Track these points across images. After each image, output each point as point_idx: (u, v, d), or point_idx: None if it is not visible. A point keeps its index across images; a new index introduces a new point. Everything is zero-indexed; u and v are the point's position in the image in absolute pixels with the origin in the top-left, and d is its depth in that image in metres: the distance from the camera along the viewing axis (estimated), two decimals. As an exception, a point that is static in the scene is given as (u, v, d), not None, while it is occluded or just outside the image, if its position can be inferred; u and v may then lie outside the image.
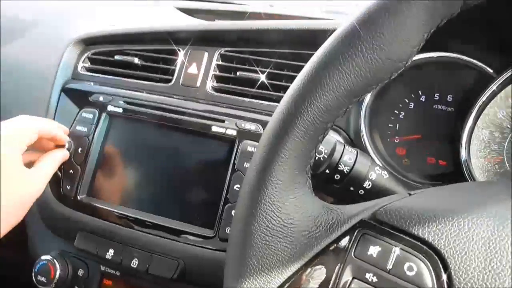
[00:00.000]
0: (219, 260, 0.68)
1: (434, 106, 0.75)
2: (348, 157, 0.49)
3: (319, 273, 0.34)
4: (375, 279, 0.32)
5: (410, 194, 0.36)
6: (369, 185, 0.49)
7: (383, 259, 0.32)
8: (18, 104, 0.89)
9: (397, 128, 0.76)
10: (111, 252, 0.73)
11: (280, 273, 0.34)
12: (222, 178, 0.70)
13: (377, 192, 0.50)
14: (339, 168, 0.49)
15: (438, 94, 0.74)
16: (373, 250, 0.33)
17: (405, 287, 0.31)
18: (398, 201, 0.35)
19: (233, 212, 0.68)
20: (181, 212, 0.72)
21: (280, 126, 0.35)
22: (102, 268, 0.79)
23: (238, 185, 0.69)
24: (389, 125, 0.76)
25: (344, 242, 0.34)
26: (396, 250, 0.32)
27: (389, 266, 0.32)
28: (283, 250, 0.35)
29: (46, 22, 0.97)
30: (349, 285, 0.33)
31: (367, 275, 0.32)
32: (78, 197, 0.77)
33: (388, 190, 0.50)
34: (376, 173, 0.50)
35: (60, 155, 0.72)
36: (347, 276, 0.33)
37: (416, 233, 0.32)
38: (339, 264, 0.33)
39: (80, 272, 0.80)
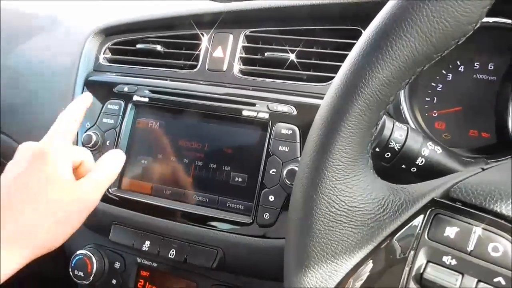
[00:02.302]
0: (258, 246, 0.67)
1: (474, 76, 0.71)
2: (399, 133, 0.46)
3: (389, 258, 0.31)
4: (454, 262, 0.30)
5: (483, 169, 0.34)
6: (422, 161, 0.47)
7: (463, 240, 0.30)
8: (43, 101, 0.88)
9: (435, 102, 0.73)
10: (147, 243, 0.72)
11: (346, 260, 0.32)
12: (256, 163, 0.68)
13: (431, 168, 0.47)
14: (389, 146, 0.46)
15: (478, 63, 0.71)
16: (450, 231, 0.30)
17: (490, 269, 0.29)
18: (472, 177, 0.32)
19: (270, 197, 0.66)
20: (217, 200, 0.70)
21: (339, 102, 0.33)
22: (139, 260, 0.78)
23: (274, 170, 0.66)
24: (426, 98, 0.73)
25: (415, 223, 0.32)
26: (477, 230, 0.30)
27: (470, 248, 0.29)
28: (348, 236, 0.32)
29: (64, 17, 0.95)
30: (424, 269, 0.30)
31: (445, 258, 0.30)
32: (110, 190, 0.76)
33: (443, 166, 0.47)
34: (429, 148, 0.47)
35: (115, 162, 0.61)
36: (421, 260, 0.31)
37: (498, 210, 0.29)
38: (411, 248, 0.31)
39: (117, 265, 0.79)
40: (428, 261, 0.30)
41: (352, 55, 0.33)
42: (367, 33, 0.33)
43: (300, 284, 0.32)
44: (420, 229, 0.31)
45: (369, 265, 0.32)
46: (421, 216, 0.32)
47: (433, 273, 0.30)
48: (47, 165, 0.52)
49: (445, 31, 0.31)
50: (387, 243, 0.32)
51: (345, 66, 0.34)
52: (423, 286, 0.30)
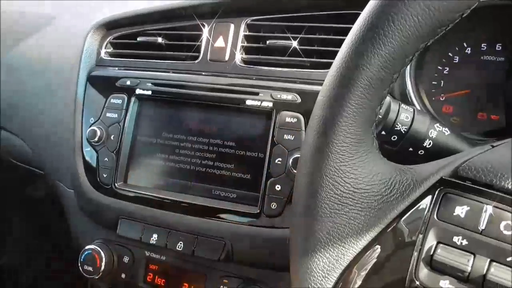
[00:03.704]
0: (266, 237, 0.66)
1: (481, 58, 0.69)
2: (405, 115, 0.45)
3: (398, 240, 0.30)
4: (465, 242, 0.29)
5: (492, 146, 0.32)
6: (429, 144, 0.45)
7: (473, 219, 0.29)
8: (44, 98, 0.88)
9: (442, 85, 0.71)
10: (155, 237, 0.72)
11: (354, 243, 0.31)
12: (262, 153, 0.67)
13: (439, 150, 0.46)
14: (395, 129, 0.45)
15: (485, 44, 0.69)
16: (460, 211, 0.29)
17: (503, 248, 0.28)
18: (481, 154, 0.31)
19: (277, 186, 0.65)
20: (223, 191, 0.70)
21: (341, 82, 0.31)
22: (147, 253, 0.78)
23: (280, 159, 0.66)
24: (433, 82, 0.71)
25: (423, 204, 0.31)
26: (488, 209, 0.29)
27: (482, 227, 0.28)
28: (355, 218, 0.31)
29: (64, 13, 0.94)
30: (434, 251, 0.29)
31: (455, 238, 0.29)
32: (116, 184, 0.76)
33: (451, 148, 0.46)
34: (436, 130, 0.46)
35: None
36: (431, 241, 0.30)
37: (510, 187, 0.28)
38: (420, 229, 0.30)
39: (126, 259, 0.79)
40: (438, 242, 0.30)
41: (353, 33, 0.32)
42: (368, 9, 0.32)
43: (306, 269, 0.31)
44: (429, 210, 0.30)
45: (377, 248, 0.31)
46: (430, 196, 0.31)
47: (443, 254, 0.29)
48: None
49: (449, 4, 0.29)
50: (395, 225, 0.31)
51: (346, 45, 0.32)
52: (433, 268, 0.29)
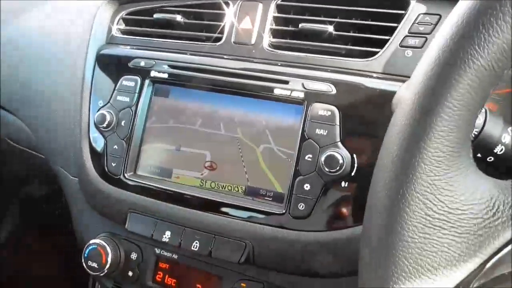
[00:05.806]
0: (292, 240, 0.61)
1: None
2: (477, 116, 0.39)
3: (503, 276, 0.25)
4: None
5: None
6: (501, 150, 0.39)
7: None
8: (51, 78, 0.81)
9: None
10: (167, 234, 0.67)
11: (447, 277, 0.25)
12: (290, 148, 0.61)
13: (511, 158, 0.40)
14: (465, 131, 0.39)
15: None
16: None
17: None
18: None
19: (306, 186, 0.59)
20: (246, 188, 0.64)
21: (441, 75, 0.25)
22: (157, 250, 0.72)
23: (310, 155, 0.60)
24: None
25: (538, 232, 0.25)
26: None
27: None
28: (449, 246, 0.25)
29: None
30: (550, 290, 0.24)
31: None
32: (125, 174, 0.70)
33: (526, 156, 0.40)
34: (510, 135, 0.40)
35: None
36: (546, 278, 0.24)
37: None
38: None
39: (133, 256, 0.73)
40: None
41: (460, 15, 0.26)
42: None
43: (385, 306, 0.25)
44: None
45: (476, 284, 0.25)
46: (546, 223, 0.25)
47: None
48: None
49: None
50: (500, 257, 0.25)
51: (450, 28, 0.26)
52: (548, 312, 0.23)
